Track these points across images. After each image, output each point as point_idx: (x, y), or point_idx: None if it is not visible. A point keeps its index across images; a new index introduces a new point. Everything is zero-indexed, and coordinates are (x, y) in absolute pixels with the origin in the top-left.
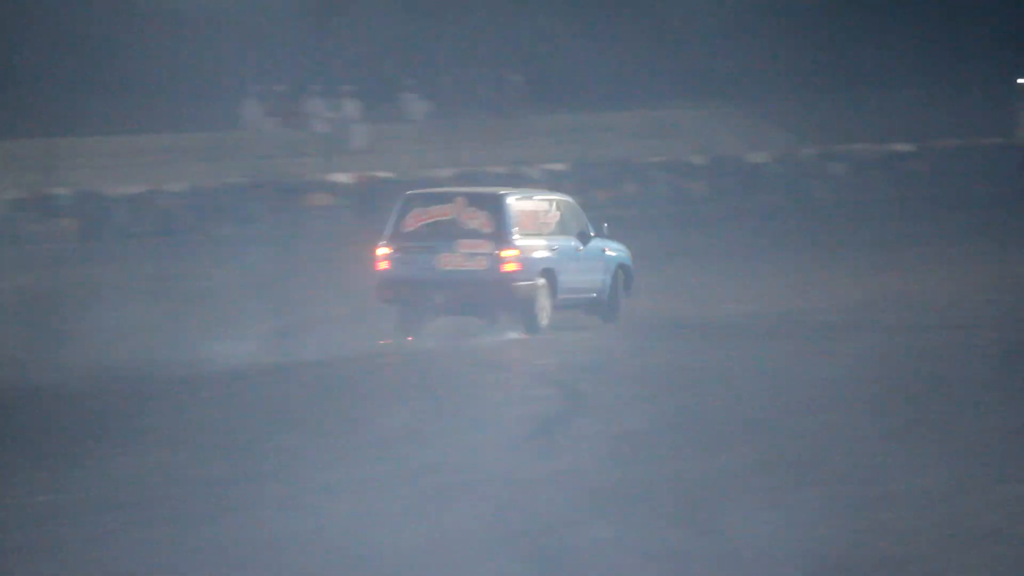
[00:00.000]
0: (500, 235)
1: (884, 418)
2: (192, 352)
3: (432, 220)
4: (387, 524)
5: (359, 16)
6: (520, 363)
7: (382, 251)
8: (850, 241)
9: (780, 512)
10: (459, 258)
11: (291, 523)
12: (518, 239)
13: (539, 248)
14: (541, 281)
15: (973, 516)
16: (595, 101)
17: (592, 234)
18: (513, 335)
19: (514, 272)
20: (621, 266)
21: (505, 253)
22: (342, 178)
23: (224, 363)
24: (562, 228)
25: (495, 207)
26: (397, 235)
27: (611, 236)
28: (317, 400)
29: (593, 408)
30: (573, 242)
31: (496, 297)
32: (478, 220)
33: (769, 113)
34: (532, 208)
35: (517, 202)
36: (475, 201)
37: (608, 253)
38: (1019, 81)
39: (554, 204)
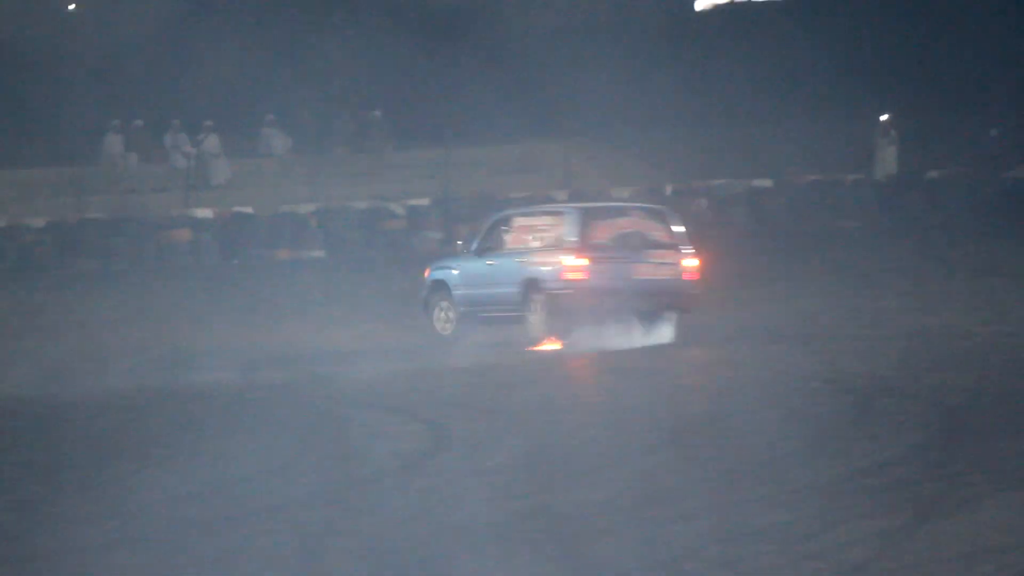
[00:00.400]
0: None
1: (724, 453)
2: (46, 386)
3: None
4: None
5: (219, 51)
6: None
7: (579, 262)
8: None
9: (647, 546)
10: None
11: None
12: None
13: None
14: None
15: (840, 551)
16: (457, 136)
17: None
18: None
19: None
20: None
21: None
22: (203, 213)
23: (77, 396)
24: None
25: (666, 219)
26: (588, 247)
27: None
28: (190, 432)
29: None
30: None
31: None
32: (658, 232)
33: (633, 149)
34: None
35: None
36: (649, 215)
37: None
38: (881, 118)
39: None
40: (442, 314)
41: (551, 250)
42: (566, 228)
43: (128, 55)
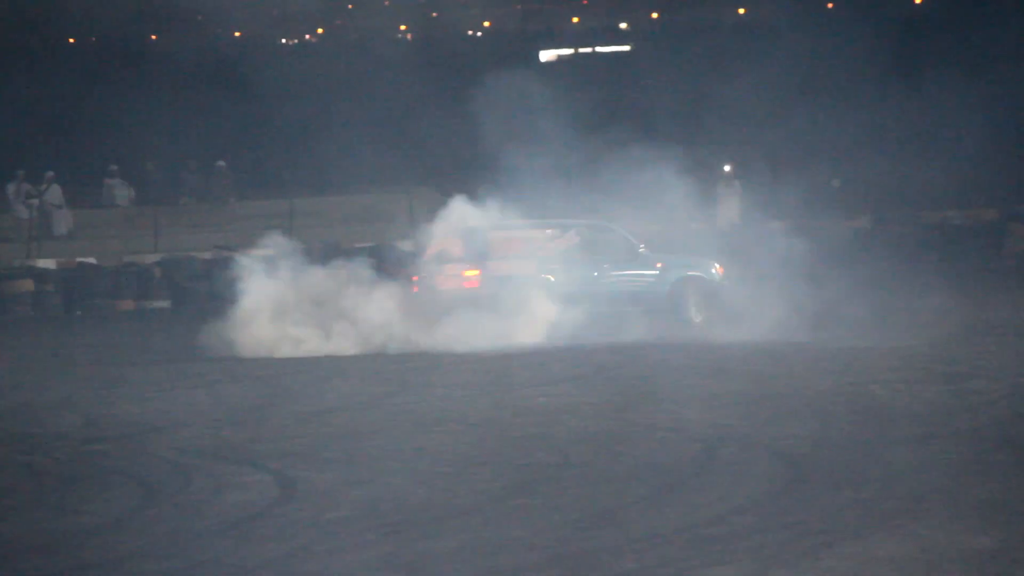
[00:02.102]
0: None
1: (571, 502)
2: None
3: None
4: None
5: (62, 101)
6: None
7: None
8: None
9: None
10: None
11: None
12: None
13: None
14: None
15: None
16: (300, 187)
17: None
18: None
19: None
20: None
21: None
22: (46, 263)
23: None
24: None
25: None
26: None
27: None
28: (32, 483)
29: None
30: None
31: None
32: None
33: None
34: None
35: None
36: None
37: None
38: (724, 168)
39: None
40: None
41: None
42: None
43: None
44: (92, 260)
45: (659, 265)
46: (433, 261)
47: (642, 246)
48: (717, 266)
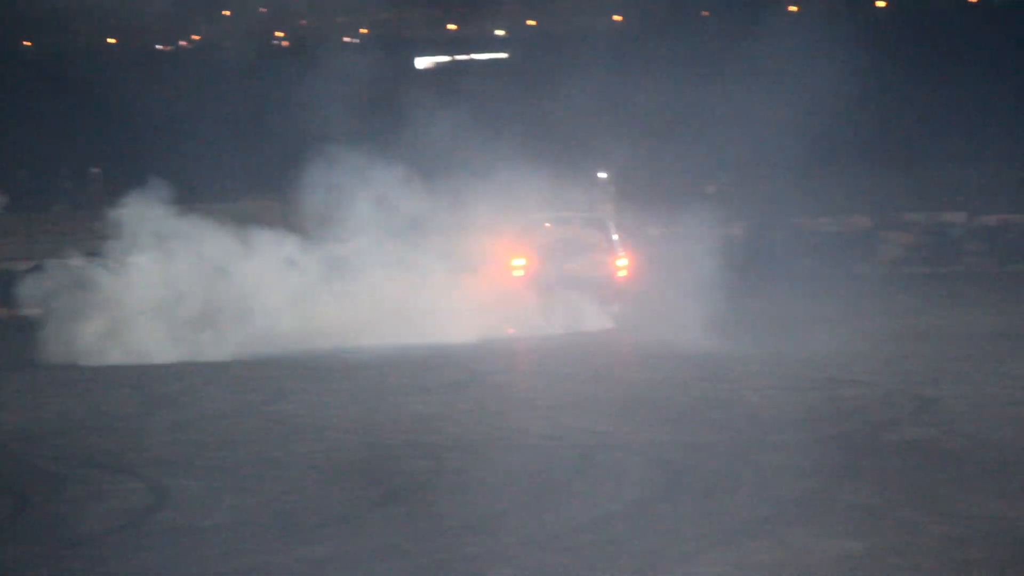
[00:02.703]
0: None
1: (447, 509)
2: None
3: None
4: None
5: None
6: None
7: None
8: None
9: None
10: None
11: None
12: None
13: None
14: None
15: None
16: (186, 193)
17: None
18: None
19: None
20: None
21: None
22: None
23: None
24: None
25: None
26: None
27: None
28: None
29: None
30: None
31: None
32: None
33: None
34: None
35: None
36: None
37: None
38: (599, 175)
39: None
40: None
41: None
42: None
43: None
44: None
45: None
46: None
47: None
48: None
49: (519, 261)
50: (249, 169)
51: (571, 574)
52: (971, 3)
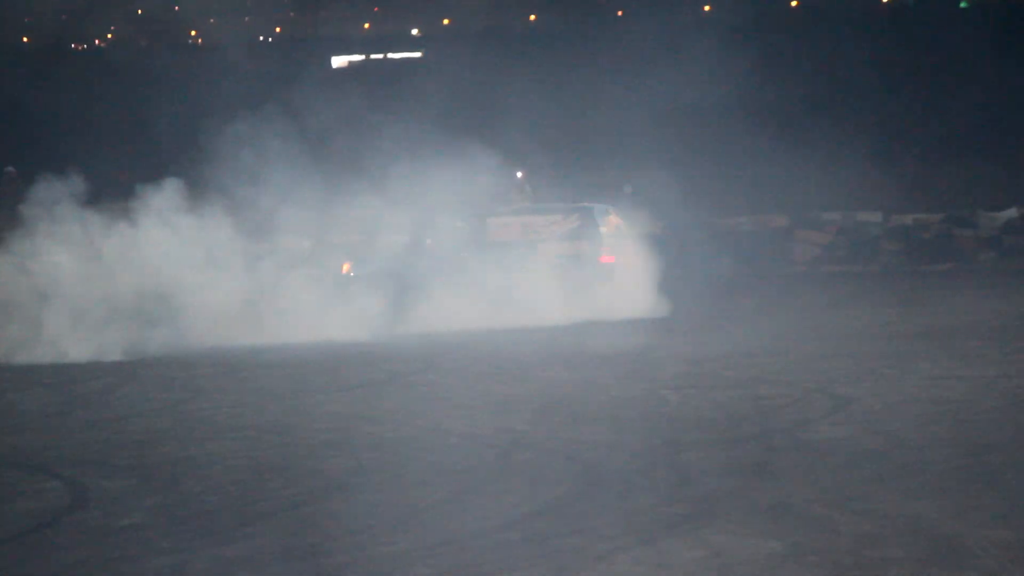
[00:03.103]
0: None
1: (365, 508)
2: None
3: None
4: None
5: None
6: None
7: None
8: None
9: None
10: None
11: None
12: None
13: None
14: None
15: None
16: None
17: None
18: None
19: None
20: None
21: None
22: None
23: None
24: None
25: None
26: None
27: None
28: None
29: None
30: None
31: None
32: None
33: None
34: None
35: None
36: None
37: None
38: (517, 175)
39: None
40: None
41: None
42: None
43: None
44: None
45: None
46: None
47: None
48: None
49: None
50: (157, 166)
51: (490, 573)
52: None
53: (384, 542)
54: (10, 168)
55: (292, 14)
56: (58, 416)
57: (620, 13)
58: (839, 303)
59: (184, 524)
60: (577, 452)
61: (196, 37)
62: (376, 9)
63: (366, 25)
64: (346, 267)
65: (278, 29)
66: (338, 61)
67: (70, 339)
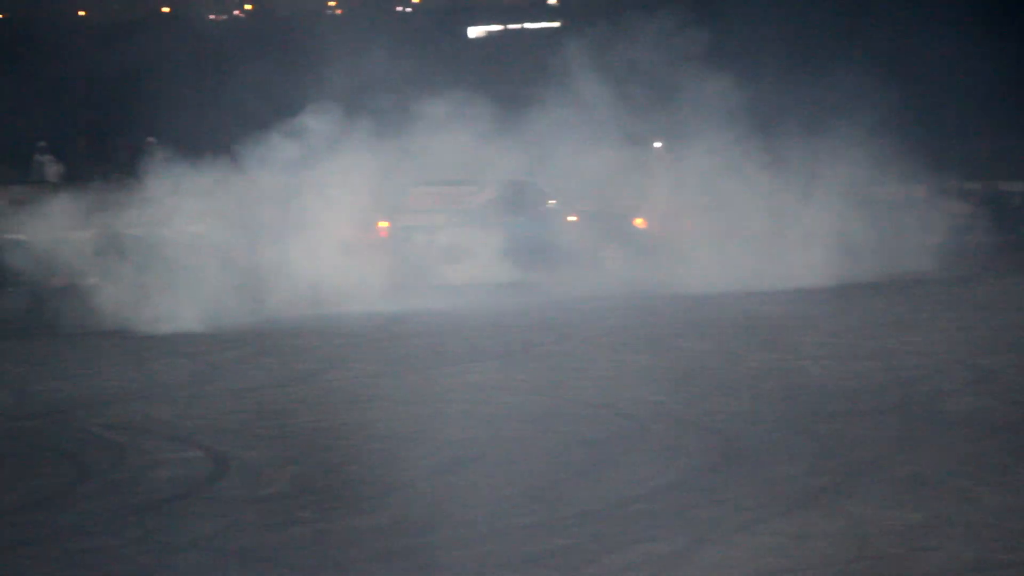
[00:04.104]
0: None
1: (503, 479)
2: None
3: None
4: None
5: None
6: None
7: None
8: None
9: (425, 572)
10: None
11: None
12: None
13: None
14: None
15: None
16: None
17: None
18: None
19: None
20: None
21: None
22: None
23: None
24: None
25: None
26: None
27: None
28: None
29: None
30: None
31: None
32: None
33: None
34: None
35: None
36: None
37: None
38: (655, 145)
39: None
40: None
41: None
42: None
43: None
44: (22, 236)
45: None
46: None
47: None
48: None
49: None
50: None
51: (625, 545)
52: None
53: (522, 513)
54: (151, 139)
55: None
56: (198, 386)
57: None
58: (978, 274)
59: (323, 494)
60: (715, 423)
61: (335, 7)
62: None
63: None
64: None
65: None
66: (475, 31)
67: (206, 309)
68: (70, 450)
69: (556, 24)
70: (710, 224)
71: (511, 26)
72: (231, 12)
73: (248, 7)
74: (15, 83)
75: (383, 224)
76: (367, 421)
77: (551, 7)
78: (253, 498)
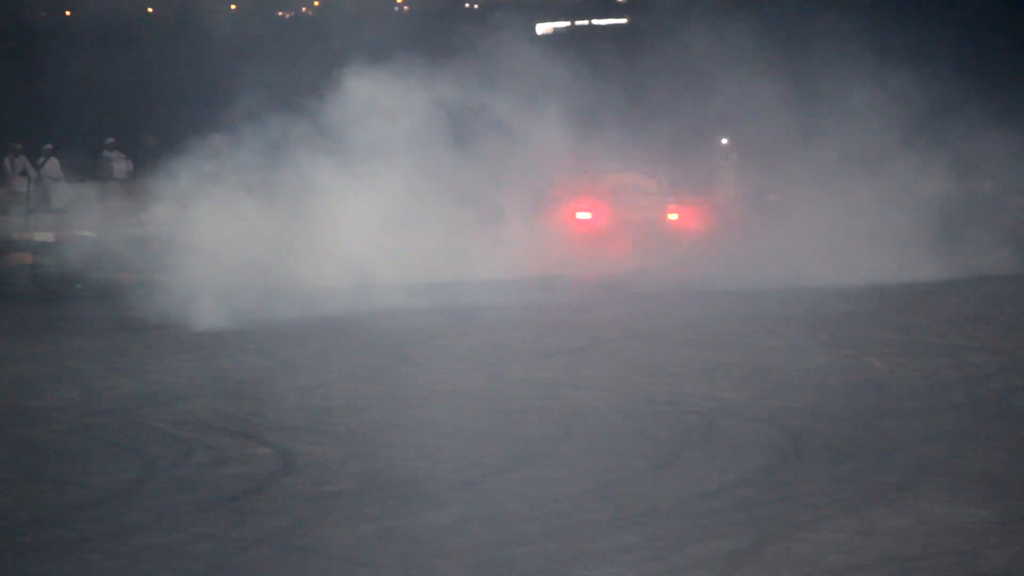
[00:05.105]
0: None
1: (570, 475)
2: None
3: None
4: None
5: (58, 73)
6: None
7: None
8: None
9: (491, 569)
10: None
11: None
12: None
13: None
14: None
15: (684, 572)
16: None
17: None
18: None
19: None
20: None
21: None
22: (44, 237)
23: None
24: None
25: None
26: None
27: None
28: (31, 457)
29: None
30: None
31: None
32: None
33: None
34: None
35: None
36: None
37: None
38: (722, 141)
39: None
40: None
41: None
42: None
43: None
44: (91, 233)
45: None
46: None
47: None
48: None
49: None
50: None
51: (692, 541)
52: None
53: (589, 509)
54: (217, 135)
55: None
56: (266, 382)
57: None
58: None
59: (391, 490)
60: (782, 419)
61: (402, 4)
62: None
63: None
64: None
65: None
66: (543, 28)
67: (274, 304)
68: (137, 446)
69: (623, 20)
70: (777, 220)
71: (579, 22)
72: (299, 8)
73: (316, 3)
74: (79, 76)
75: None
76: (433, 418)
77: (619, 4)
78: (319, 495)
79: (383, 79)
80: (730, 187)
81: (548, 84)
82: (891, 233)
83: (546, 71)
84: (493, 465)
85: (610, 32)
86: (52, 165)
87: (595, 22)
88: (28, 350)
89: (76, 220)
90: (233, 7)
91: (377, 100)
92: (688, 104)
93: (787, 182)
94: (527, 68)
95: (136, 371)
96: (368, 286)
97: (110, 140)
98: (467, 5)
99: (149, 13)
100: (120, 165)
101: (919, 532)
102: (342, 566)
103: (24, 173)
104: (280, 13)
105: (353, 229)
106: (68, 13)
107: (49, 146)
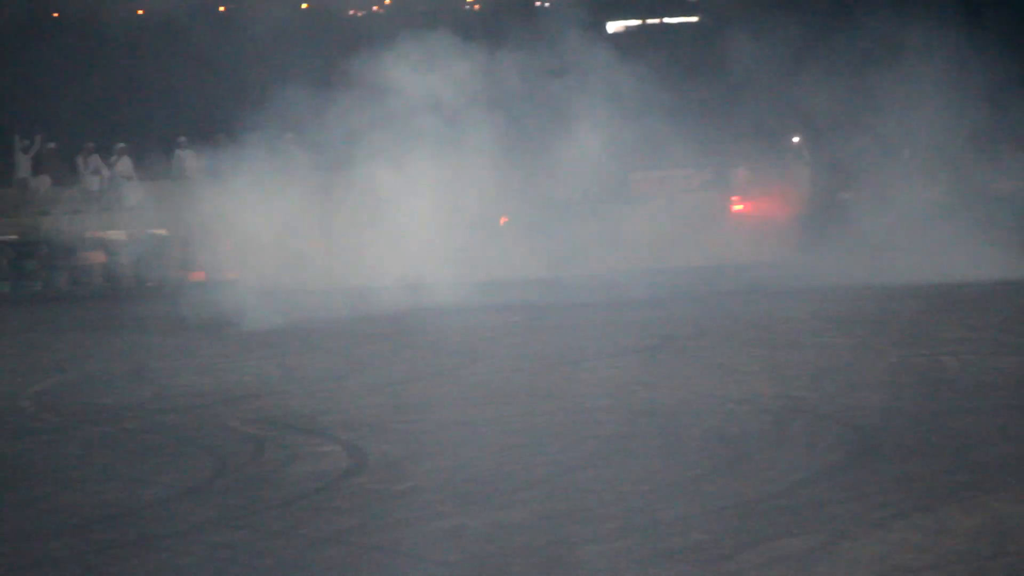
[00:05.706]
0: None
1: (641, 473)
2: None
3: None
4: None
5: (131, 72)
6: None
7: None
8: None
9: (563, 568)
10: None
11: None
12: None
13: None
14: None
15: (756, 571)
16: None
17: None
18: None
19: None
20: None
21: None
22: (117, 235)
23: None
24: None
25: None
26: None
27: None
28: (104, 454)
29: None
30: None
31: None
32: None
33: None
34: None
35: None
36: None
37: None
38: (793, 140)
39: None
40: None
41: None
42: None
43: (36, 75)
44: (163, 231)
45: None
46: None
47: None
48: None
49: None
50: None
51: (764, 540)
52: None
53: (660, 508)
54: (289, 134)
55: None
56: (336, 380)
57: None
58: None
59: (461, 489)
60: (854, 418)
61: (472, 3)
62: None
63: None
64: None
65: None
66: (613, 26)
67: (344, 302)
68: (209, 444)
69: (694, 19)
70: (848, 218)
71: (649, 21)
72: (370, 7)
73: (387, 1)
74: (155, 73)
75: None
76: (504, 416)
77: (690, 3)
78: (391, 493)
79: (460, 75)
80: (802, 185)
81: (625, 82)
82: (964, 231)
83: (624, 69)
84: (564, 464)
85: (682, 30)
86: (124, 164)
87: (666, 21)
88: (101, 348)
89: (148, 218)
90: (304, 6)
91: (467, 92)
92: (756, 103)
93: (859, 180)
94: (604, 65)
95: (208, 369)
96: (445, 283)
97: (182, 138)
98: (537, 3)
99: (220, 12)
100: (193, 163)
101: (992, 531)
102: (413, 564)
103: (97, 172)
104: (352, 12)
105: (443, 224)
106: (140, 12)
107: (122, 145)
